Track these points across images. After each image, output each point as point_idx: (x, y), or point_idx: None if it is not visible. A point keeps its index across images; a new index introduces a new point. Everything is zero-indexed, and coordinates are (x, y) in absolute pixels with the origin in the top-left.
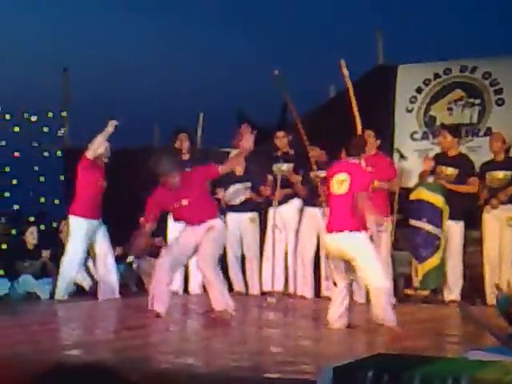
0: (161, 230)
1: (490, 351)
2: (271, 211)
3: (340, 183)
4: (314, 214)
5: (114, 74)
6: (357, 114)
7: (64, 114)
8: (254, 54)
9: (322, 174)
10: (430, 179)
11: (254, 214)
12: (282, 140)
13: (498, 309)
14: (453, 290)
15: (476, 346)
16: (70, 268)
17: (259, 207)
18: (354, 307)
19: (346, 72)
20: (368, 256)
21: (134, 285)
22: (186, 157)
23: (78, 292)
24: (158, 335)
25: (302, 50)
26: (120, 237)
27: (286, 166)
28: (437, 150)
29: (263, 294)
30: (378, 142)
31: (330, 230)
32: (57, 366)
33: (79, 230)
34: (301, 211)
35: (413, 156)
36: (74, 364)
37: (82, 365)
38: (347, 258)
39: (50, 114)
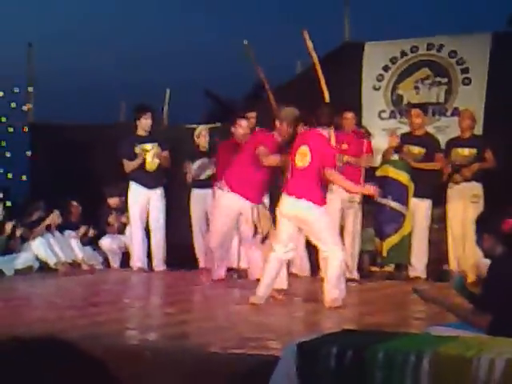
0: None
1: (451, 327)
2: None
3: (302, 156)
4: None
5: (81, 50)
6: (324, 87)
7: (30, 89)
8: (219, 29)
9: None
10: (395, 156)
11: None
12: (252, 121)
13: (456, 290)
14: (417, 267)
15: (439, 322)
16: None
17: None
18: (317, 283)
19: (310, 44)
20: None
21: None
22: (144, 134)
23: (42, 268)
24: (122, 311)
25: (268, 25)
26: (87, 214)
27: None
28: (405, 129)
29: (229, 270)
30: (356, 117)
31: (290, 193)
32: (13, 339)
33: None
34: None
35: (381, 135)
36: (33, 337)
37: (41, 338)
38: (301, 224)
39: (16, 90)
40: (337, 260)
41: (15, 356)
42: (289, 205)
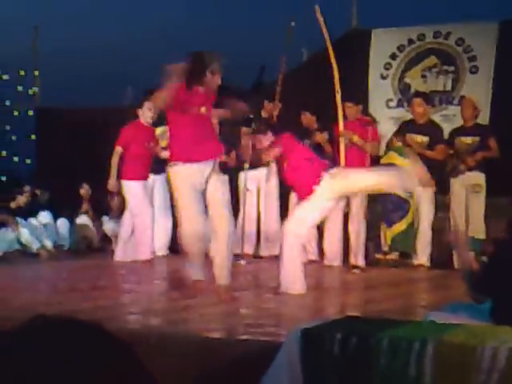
0: None
1: (449, 311)
2: (242, 175)
3: None
4: None
5: (87, 35)
6: (334, 64)
7: (36, 72)
8: (224, 14)
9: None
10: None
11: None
12: (271, 110)
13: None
14: (421, 255)
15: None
16: None
17: (229, 169)
18: (323, 270)
19: (320, 18)
20: None
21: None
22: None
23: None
24: (126, 296)
25: (273, 12)
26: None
27: None
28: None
29: (234, 256)
30: (360, 107)
31: None
32: (32, 318)
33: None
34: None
35: (388, 123)
36: (51, 316)
37: (65, 317)
38: None
39: (22, 73)
40: None
41: (39, 333)
42: None
